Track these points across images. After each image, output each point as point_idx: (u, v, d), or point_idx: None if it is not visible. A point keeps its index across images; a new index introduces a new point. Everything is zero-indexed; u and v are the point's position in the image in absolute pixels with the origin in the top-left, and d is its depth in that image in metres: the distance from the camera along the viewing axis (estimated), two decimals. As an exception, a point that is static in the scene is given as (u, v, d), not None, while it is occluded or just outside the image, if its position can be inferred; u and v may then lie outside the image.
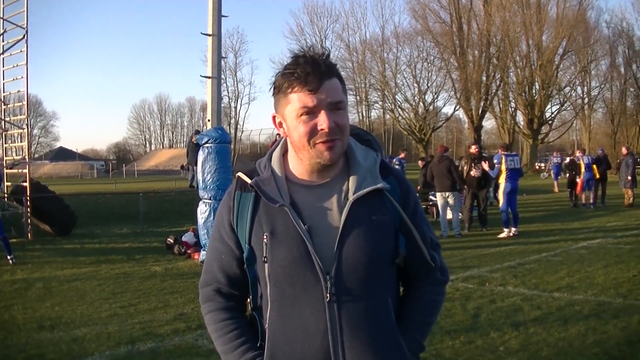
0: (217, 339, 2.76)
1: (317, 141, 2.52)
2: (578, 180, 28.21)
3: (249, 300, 2.81)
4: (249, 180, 2.69)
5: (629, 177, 27.22)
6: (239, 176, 2.77)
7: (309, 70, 2.47)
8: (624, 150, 28.72)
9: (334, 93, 2.50)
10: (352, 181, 2.63)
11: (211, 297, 2.82)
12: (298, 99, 2.50)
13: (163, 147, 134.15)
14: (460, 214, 20.98)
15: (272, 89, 2.63)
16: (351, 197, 2.58)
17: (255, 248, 2.63)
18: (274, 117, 2.70)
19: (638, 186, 27.89)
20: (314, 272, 2.52)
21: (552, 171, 40.11)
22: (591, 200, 28.08)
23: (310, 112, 2.50)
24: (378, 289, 2.61)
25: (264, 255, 2.57)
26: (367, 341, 2.55)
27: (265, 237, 2.58)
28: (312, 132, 2.51)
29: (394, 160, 26.31)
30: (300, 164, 2.66)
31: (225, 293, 2.79)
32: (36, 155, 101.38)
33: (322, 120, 2.49)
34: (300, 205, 2.61)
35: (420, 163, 26.07)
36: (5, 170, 20.60)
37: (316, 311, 2.53)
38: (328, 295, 2.51)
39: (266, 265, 2.58)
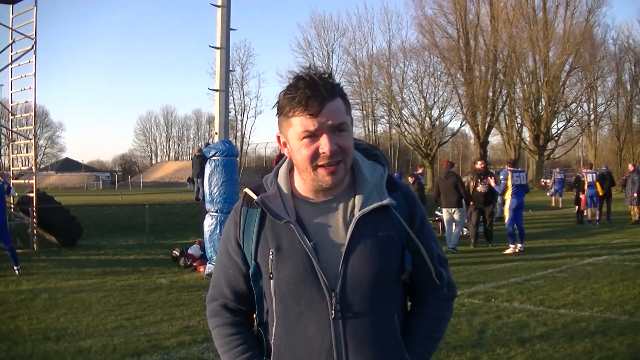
0: (224, 354, 2.76)
1: (319, 164, 2.53)
2: (582, 196, 28.19)
3: (255, 315, 2.81)
4: (255, 197, 2.70)
5: (635, 194, 27.15)
6: (245, 192, 2.78)
7: (310, 95, 2.47)
8: (630, 167, 28.67)
9: (335, 115, 2.50)
10: (358, 197, 2.63)
11: (218, 312, 2.83)
12: (300, 122, 2.51)
13: (169, 160, 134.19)
14: (465, 229, 20.95)
15: (275, 108, 2.65)
16: (357, 214, 2.59)
17: (261, 264, 2.64)
18: (278, 137, 2.71)
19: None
20: (319, 288, 2.54)
21: (554, 187, 40.06)
22: (597, 217, 28.00)
23: (312, 136, 2.51)
24: (383, 305, 2.62)
25: (270, 271, 2.59)
26: (371, 357, 2.56)
27: (271, 253, 2.59)
28: (314, 156, 2.52)
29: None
30: (304, 183, 2.68)
31: (232, 308, 2.81)
32: (42, 166, 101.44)
33: (324, 144, 2.49)
34: (306, 222, 2.62)
35: (410, 179, 25.85)
36: (12, 181, 20.66)
37: (321, 328, 2.54)
38: (333, 312, 2.53)
39: (272, 281, 2.59)
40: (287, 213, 2.61)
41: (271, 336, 2.66)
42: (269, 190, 2.71)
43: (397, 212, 2.66)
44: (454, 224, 19.72)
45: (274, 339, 2.64)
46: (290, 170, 2.77)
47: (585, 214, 28.49)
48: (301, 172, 2.63)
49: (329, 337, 2.53)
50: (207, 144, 25.11)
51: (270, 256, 2.58)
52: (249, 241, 2.67)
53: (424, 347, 2.73)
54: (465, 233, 22.59)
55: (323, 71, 2.56)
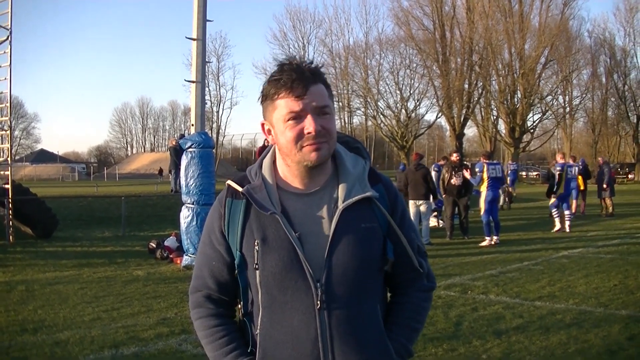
0: (208, 345, 2.77)
1: (304, 144, 2.56)
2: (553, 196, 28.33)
3: (239, 306, 2.83)
4: (240, 188, 2.72)
5: (605, 186, 27.48)
6: (228, 184, 2.80)
7: (295, 77, 2.52)
8: (599, 160, 28.89)
9: (319, 97, 2.56)
10: (341, 189, 2.66)
11: (201, 304, 2.84)
12: (285, 104, 2.55)
13: (145, 151, 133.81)
14: (442, 221, 21.03)
15: (259, 97, 2.69)
16: (341, 205, 2.62)
17: (246, 255, 2.66)
18: (262, 125, 2.75)
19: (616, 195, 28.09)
20: (304, 279, 2.56)
21: (509, 178, 40.08)
22: (581, 210, 28.22)
23: (297, 117, 2.54)
24: (367, 295, 2.66)
25: (255, 262, 2.60)
26: (357, 348, 2.59)
27: (256, 244, 2.61)
28: (299, 136, 2.55)
29: (433, 166, 26.10)
30: (289, 171, 2.71)
31: (215, 299, 2.82)
32: (17, 157, 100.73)
33: (309, 124, 2.53)
34: (291, 213, 2.64)
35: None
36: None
37: (306, 318, 2.57)
38: (319, 302, 2.55)
39: (257, 272, 2.61)
40: (272, 204, 2.63)
41: (256, 326, 2.67)
42: (254, 182, 2.73)
43: (380, 203, 2.69)
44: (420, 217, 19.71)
45: (260, 329, 2.65)
46: (274, 161, 2.80)
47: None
48: (286, 155, 2.66)
49: (314, 327, 2.56)
50: (182, 136, 25.07)
51: (256, 247, 2.61)
52: (234, 232, 2.70)
53: (405, 336, 2.78)
54: (441, 225, 22.71)
55: (307, 59, 2.62)
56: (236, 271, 2.72)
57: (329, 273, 2.57)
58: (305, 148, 2.56)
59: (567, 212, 22.70)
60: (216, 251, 2.77)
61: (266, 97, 2.63)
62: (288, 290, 2.59)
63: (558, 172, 22.78)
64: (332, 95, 2.70)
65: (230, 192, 2.78)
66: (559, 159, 23.94)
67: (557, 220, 22.47)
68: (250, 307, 2.74)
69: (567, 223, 22.25)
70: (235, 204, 2.73)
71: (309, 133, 2.53)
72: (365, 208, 2.66)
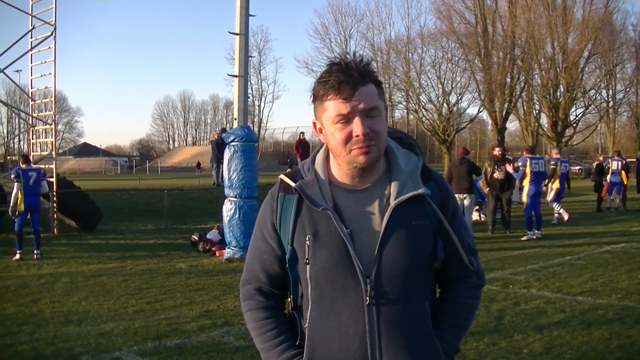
0: (257, 337, 2.81)
1: (353, 147, 2.57)
2: (604, 183, 28.07)
3: (289, 299, 2.87)
4: (292, 184, 2.75)
5: None
6: (281, 178, 2.83)
7: (342, 79, 2.52)
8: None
9: (367, 99, 2.54)
10: (393, 186, 2.67)
11: (252, 296, 2.88)
12: (333, 106, 2.56)
13: (186, 145, 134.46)
14: (484, 215, 20.95)
15: (311, 96, 2.71)
16: (392, 202, 2.63)
17: (297, 249, 2.69)
18: (314, 124, 2.76)
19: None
20: (354, 275, 2.57)
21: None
22: (622, 206, 27.98)
23: (345, 119, 2.55)
24: (416, 293, 2.66)
25: (306, 256, 2.63)
26: (404, 344, 2.60)
27: (307, 239, 2.64)
28: (348, 139, 2.56)
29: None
30: (340, 169, 2.72)
31: (265, 292, 2.85)
32: (60, 151, 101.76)
33: (357, 127, 2.53)
34: (342, 209, 2.66)
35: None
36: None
37: (355, 314, 2.58)
38: (367, 298, 2.57)
39: (308, 266, 2.64)
40: (324, 200, 2.66)
41: (305, 320, 2.70)
42: (306, 177, 2.76)
43: (431, 201, 2.69)
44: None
45: (309, 323, 2.68)
46: (327, 157, 2.82)
47: (605, 201, 28.34)
48: (336, 156, 2.68)
49: (363, 323, 2.57)
50: (224, 129, 25.17)
51: (307, 242, 2.63)
52: (286, 226, 2.73)
53: (453, 334, 2.78)
54: (483, 219, 22.63)
55: (359, 57, 2.61)
56: (287, 265, 2.75)
57: (379, 270, 2.58)
58: (354, 151, 2.57)
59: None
60: (268, 245, 2.81)
61: (316, 98, 2.66)
62: (337, 285, 2.61)
63: (552, 167, 22.67)
64: (384, 93, 2.70)
65: (282, 187, 2.80)
66: (554, 154, 23.84)
67: (563, 212, 22.37)
68: (300, 301, 2.77)
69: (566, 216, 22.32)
70: (287, 199, 2.75)
71: (357, 136, 2.54)
72: (416, 205, 2.67)
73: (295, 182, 2.75)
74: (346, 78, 2.52)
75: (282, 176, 2.83)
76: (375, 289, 2.57)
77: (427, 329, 2.68)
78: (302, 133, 35.50)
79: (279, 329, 2.79)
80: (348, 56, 2.61)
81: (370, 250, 2.59)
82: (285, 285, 2.82)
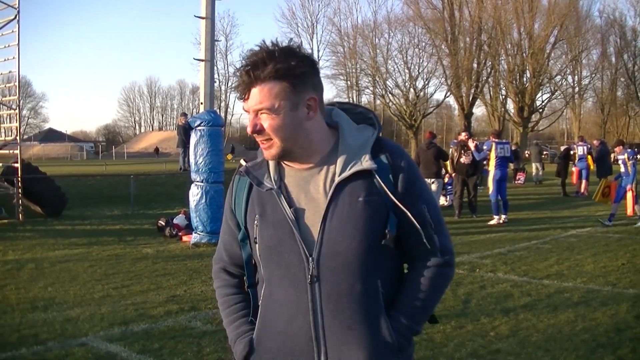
0: (223, 311, 2.97)
1: (256, 140, 2.70)
2: (574, 169, 28.26)
3: (245, 278, 2.95)
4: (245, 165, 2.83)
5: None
6: (240, 162, 2.90)
7: (240, 81, 2.59)
8: (595, 142, 28.63)
9: (256, 100, 2.57)
10: (338, 163, 2.65)
11: (218, 275, 3.04)
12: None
13: (153, 130, 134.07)
14: (450, 199, 21.05)
15: None
16: (336, 179, 2.62)
17: (249, 229, 2.77)
18: None
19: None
20: (297, 254, 2.61)
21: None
22: (583, 190, 28.09)
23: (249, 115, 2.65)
24: (364, 271, 2.63)
25: (254, 236, 2.71)
26: (347, 323, 2.60)
27: (256, 219, 2.70)
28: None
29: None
30: None
31: (230, 271, 2.98)
32: (25, 137, 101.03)
33: (248, 124, 2.67)
34: (289, 189, 2.70)
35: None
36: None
37: (299, 292, 2.62)
38: (309, 276, 2.59)
39: (256, 245, 2.71)
40: (271, 180, 2.71)
41: (259, 298, 2.79)
42: (258, 159, 2.81)
43: (381, 175, 2.65)
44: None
45: (261, 300, 2.77)
46: None
47: (578, 186, 28.50)
48: None
49: (306, 301, 2.60)
50: (184, 114, 25.12)
51: (256, 222, 2.70)
52: (240, 208, 2.81)
53: (407, 314, 2.70)
54: (449, 203, 22.73)
55: (262, 53, 2.58)
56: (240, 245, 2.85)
57: (321, 248, 2.60)
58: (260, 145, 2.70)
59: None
60: (228, 226, 2.93)
61: None
62: (283, 264, 2.65)
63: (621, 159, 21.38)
64: (302, 86, 2.61)
65: (239, 170, 2.86)
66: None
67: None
68: (254, 279, 2.87)
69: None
70: (242, 181, 2.84)
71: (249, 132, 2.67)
72: (365, 181, 2.63)
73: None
74: (243, 79, 2.59)
75: (242, 159, 2.91)
76: (318, 268, 2.60)
77: (375, 308, 2.65)
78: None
79: (238, 304, 2.91)
80: (260, 47, 2.60)
81: (314, 229, 2.62)
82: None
